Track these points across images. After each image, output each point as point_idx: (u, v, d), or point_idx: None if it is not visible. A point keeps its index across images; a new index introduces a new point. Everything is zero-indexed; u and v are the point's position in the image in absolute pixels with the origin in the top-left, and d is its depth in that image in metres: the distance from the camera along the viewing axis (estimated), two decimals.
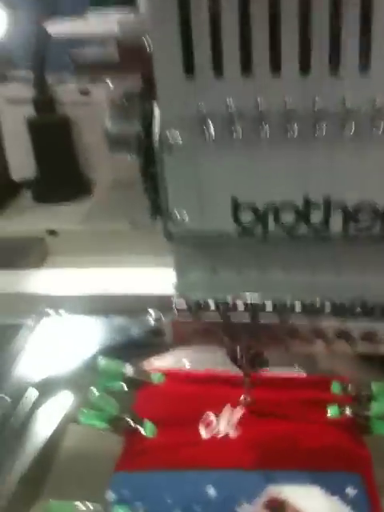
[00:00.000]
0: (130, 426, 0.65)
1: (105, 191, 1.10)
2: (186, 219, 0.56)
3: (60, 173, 1.08)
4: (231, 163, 0.53)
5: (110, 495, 0.57)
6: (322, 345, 0.62)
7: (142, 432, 0.64)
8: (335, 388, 0.69)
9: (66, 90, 1.06)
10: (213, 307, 0.57)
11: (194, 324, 0.58)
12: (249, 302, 0.56)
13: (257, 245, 0.57)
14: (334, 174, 0.52)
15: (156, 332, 0.82)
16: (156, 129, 0.53)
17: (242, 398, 0.66)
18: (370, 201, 0.53)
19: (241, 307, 0.57)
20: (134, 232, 0.77)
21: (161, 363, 0.81)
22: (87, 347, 0.82)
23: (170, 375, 0.74)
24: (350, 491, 0.55)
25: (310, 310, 0.56)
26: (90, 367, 0.74)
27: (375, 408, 0.64)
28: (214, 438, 0.63)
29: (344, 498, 0.55)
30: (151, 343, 0.84)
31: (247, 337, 0.58)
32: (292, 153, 0.52)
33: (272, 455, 0.59)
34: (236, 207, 0.55)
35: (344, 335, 0.58)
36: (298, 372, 0.75)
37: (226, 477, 0.57)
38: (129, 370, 0.74)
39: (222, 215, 0.55)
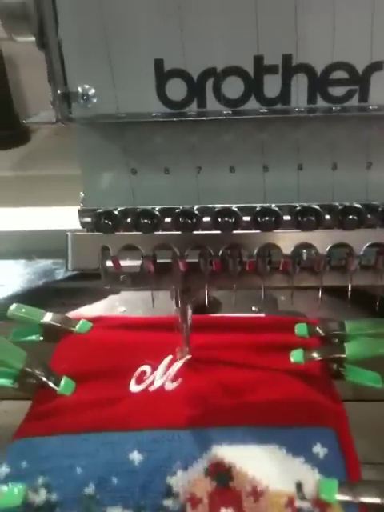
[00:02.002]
0: (41, 381, 0.51)
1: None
2: (94, 99, 0.41)
3: None
4: (153, 13, 0.38)
5: (3, 470, 0.43)
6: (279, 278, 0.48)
7: (55, 389, 0.50)
8: (300, 330, 0.56)
9: None
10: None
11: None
12: (181, 210, 0.42)
13: (190, 132, 0.42)
14: (297, 28, 0.38)
15: (87, 275, 0.68)
16: None
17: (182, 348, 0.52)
18: (345, 61, 0.39)
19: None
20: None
21: (91, 311, 0.67)
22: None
23: (100, 322, 0.60)
24: (320, 450, 0.43)
25: (263, 221, 0.42)
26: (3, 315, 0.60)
27: (350, 350, 0.51)
28: (144, 393, 0.49)
29: (311, 458, 0.42)
30: (82, 289, 0.71)
31: (183, 265, 0.44)
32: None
33: (216, 410, 0.46)
34: (161, 77, 0.40)
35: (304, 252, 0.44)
36: (255, 315, 0.62)
37: (155, 439, 0.43)
38: (48, 317, 0.59)
39: (142, 90, 0.41)
